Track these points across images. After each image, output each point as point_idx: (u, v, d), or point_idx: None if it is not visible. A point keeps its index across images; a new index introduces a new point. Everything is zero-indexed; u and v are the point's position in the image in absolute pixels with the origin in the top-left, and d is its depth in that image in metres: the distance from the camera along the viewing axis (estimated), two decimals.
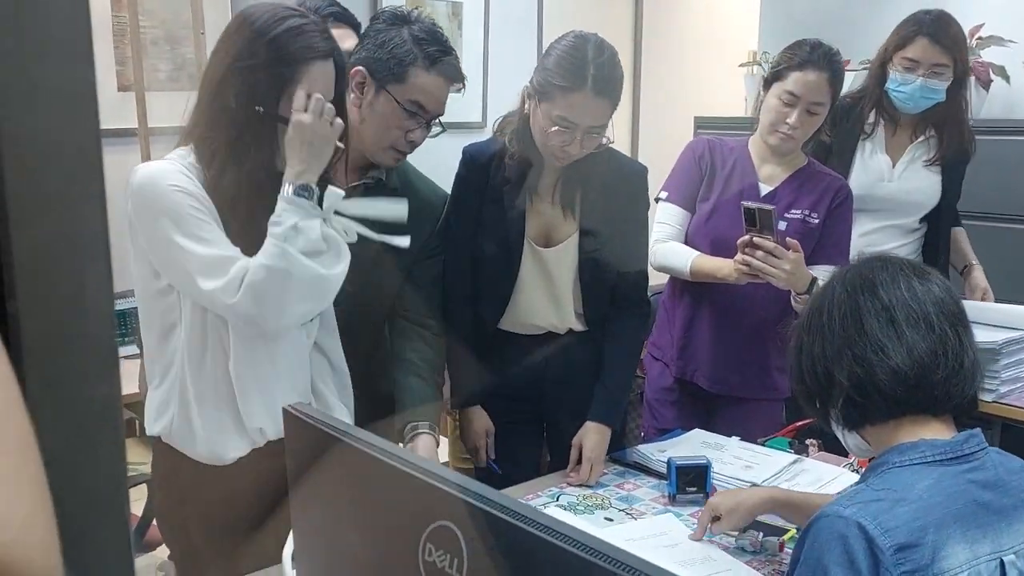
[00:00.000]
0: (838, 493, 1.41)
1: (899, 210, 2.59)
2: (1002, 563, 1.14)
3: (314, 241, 1.41)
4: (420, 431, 1.83)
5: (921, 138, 2.60)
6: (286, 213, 1.39)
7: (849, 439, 1.29)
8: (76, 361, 0.52)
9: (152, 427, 1.53)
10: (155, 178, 1.42)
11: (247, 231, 1.44)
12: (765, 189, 2.25)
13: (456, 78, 1.82)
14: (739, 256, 2.02)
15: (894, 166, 2.60)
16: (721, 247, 2.17)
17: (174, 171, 1.43)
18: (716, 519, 1.63)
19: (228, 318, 1.44)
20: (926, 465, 1.16)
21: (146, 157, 2.90)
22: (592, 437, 1.96)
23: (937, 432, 1.21)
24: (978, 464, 1.18)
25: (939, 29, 2.44)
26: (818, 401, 1.28)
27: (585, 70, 1.79)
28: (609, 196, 1.98)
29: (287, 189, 1.41)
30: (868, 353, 1.19)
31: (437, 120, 1.83)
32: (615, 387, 2.03)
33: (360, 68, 1.78)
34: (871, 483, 1.18)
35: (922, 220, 2.64)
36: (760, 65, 4.11)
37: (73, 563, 0.52)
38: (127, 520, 0.53)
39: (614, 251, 1.99)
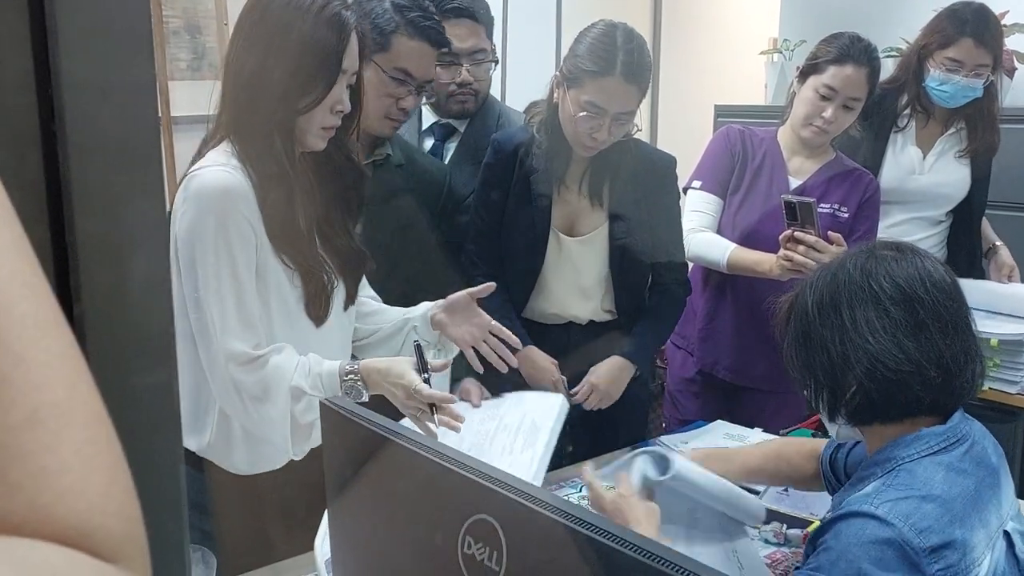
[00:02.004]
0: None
1: (928, 202, 2.57)
2: (1006, 534, 1.16)
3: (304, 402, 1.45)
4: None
5: (952, 130, 2.57)
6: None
7: (843, 429, 1.28)
8: (135, 349, 0.53)
9: (186, 440, 1.54)
10: (222, 198, 1.39)
11: (293, 232, 1.46)
12: (795, 183, 2.24)
13: (440, 43, 1.84)
14: (782, 251, 2.02)
15: (924, 158, 2.58)
16: (750, 239, 2.17)
17: (240, 194, 1.40)
18: None
19: (222, 381, 1.45)
20: (932, 455, 1.17)
21: (168, 146, 2.93)
22: (604, 365, 1.99)
23: (932, 420, 1.22)
24: (970, 443, 1.19)
25: (982, 29, 2.39)
26: (826, 391, 1.24)
27: (614, 56, 1.81)
28: (638, 186, 1.99)
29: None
30: (895, 351, 1.17)
31: (428, 86, 1.87)
32: (645, 334, 2.05)
33: None
34: (888, 481, 1.17)
35: (948, 212, 2.63)
36: (781, 52, 4.08)
37: None
38: (183, 504, 0.54)
39: (646, 241, 2.01)
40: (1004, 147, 2.65)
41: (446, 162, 2.15)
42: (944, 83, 2.45)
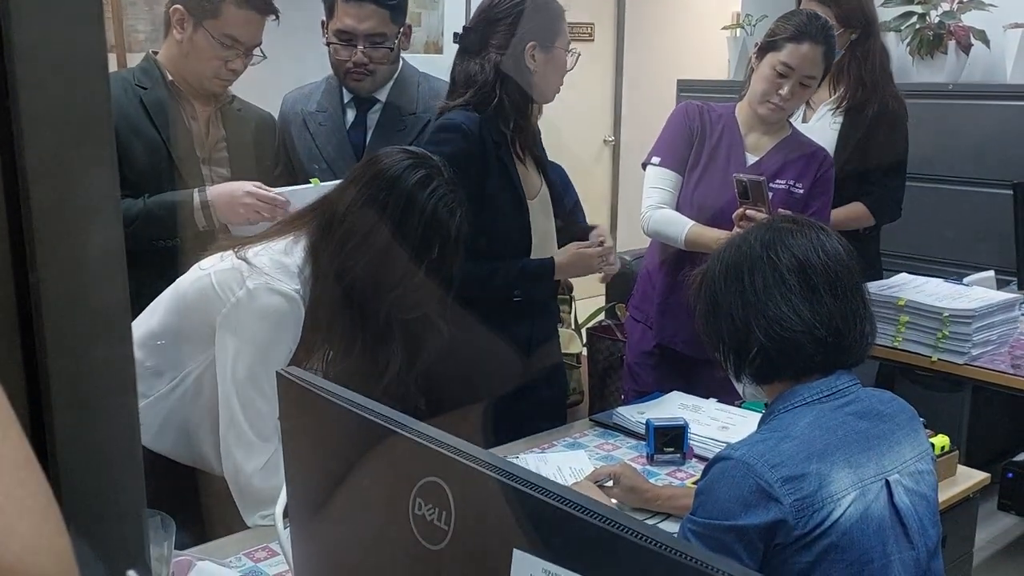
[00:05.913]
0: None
1: None
2: (887, 483, 1.25)
3: None
4: None
5: (837, 93, 2.64)
6: None
7: (748, 388, 1.38)
8: (90, 319, 0.54)
9: (152, 443, 1.56)
10: (279, 326, 1.47)
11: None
12: (751, 159, 2.27)
13: (267, 10, 2.01)
14: (735, 229, 2.05)
15: (805, 117, 2.64)
16: (708, 215, 2.20)
17: (294, 322, 1.48)
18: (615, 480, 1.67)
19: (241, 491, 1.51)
20: (806, 406, 1.27)
21: None
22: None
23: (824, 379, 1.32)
24: (852, 398, 1.29)
25: None
26: (732, 353, 1.35)
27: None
28: (540, 147, 2.15)
29: None
30: (789, 314, 1.27)
31: (258, 49, 2.04)
32: None
33: (178, 7, 1.98)
34: (760, 429, 1.30)
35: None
36: (743, 27, 4.11)
37: (90, 516, 0.55)
38: (140, 472, 0.56)
39: (556, 195, 2.18)
40: (959, 122, 2.69)
41: (369, 133, 2.23)
42: None
